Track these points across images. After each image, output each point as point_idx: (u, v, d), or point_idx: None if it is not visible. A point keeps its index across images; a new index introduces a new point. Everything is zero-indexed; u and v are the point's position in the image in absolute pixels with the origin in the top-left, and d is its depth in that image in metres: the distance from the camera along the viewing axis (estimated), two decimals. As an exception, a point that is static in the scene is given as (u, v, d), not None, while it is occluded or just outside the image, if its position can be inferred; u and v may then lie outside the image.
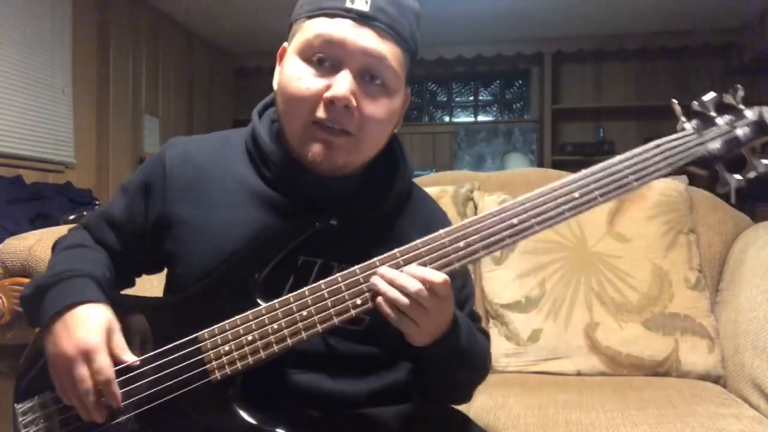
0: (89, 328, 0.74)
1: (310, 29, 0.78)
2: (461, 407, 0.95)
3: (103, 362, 0.73)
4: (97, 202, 3.12)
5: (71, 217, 2.48)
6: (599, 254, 1.49)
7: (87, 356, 0.73)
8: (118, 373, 0.75)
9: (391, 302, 0.71)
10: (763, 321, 1.25)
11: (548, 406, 1.17)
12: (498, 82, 5.58)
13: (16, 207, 2.62)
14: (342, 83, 0.76)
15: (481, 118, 5.60)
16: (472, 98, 5.66)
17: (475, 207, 1.62)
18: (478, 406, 1.19)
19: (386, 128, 0.83)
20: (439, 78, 5.60)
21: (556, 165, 4.81)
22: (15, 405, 0.79)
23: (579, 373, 1.41)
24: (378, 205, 0.85)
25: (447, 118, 5.64)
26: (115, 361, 0.75)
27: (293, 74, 0.78)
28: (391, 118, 0.82)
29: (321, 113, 0.77)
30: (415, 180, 1.03)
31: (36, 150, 3.10)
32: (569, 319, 1.44)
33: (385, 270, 0.72)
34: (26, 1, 3.03)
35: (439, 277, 0.71)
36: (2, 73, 2.89)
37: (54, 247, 0.92)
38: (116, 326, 0.77)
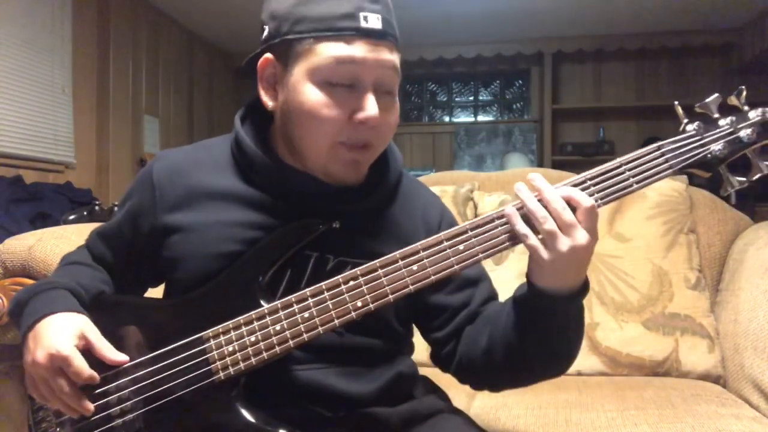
0: (57, 337, 0.75)
1: (324, 54, 0.76)
2: (462, 406, 0.96)
3: (79, 366, 0.75)
4: (97, 202, 3.11)
5: (71, 217, 2.48)
6: (599, 254, 1.49)
7: (61, 363, 0.75)
8: (112, 375, 0.77)
9: (531, 215, 0.71)
10: (763, 321, 1.25)
11: (548, 406, 1.17)
12: (498, 82, 5.58)
13: (16, 207, 2.62)
14: (372, 105, 0.77)
15: (481, 118, 5.60)
16: (472, 98, 5.65)
17: (475, 207, 1.62)
18: (477, 406, 1.19)
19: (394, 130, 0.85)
20: (439, 78, 5.59)
21: (556, 165, 4.81)
22: (29, 400, 0.81)
23: (579, 373, 1.40)
24: (367, 199, 0.86)
25: (447, 118, 5.64)
26: (105, 362, 0.77)
27: (316, 101, 0.77)
28: (398, 120, 0.84)
29: (348, 134, 0.78)
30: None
31: (36, 150, 3.10)
32: (569, 319, 1.44)
33: (535, 176, 0.72)
34: (27, 2, 3.03)
35: (587, 201, 0.70)
36: (2, 73, 2.88)
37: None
38: (91, 331, 0.78)
